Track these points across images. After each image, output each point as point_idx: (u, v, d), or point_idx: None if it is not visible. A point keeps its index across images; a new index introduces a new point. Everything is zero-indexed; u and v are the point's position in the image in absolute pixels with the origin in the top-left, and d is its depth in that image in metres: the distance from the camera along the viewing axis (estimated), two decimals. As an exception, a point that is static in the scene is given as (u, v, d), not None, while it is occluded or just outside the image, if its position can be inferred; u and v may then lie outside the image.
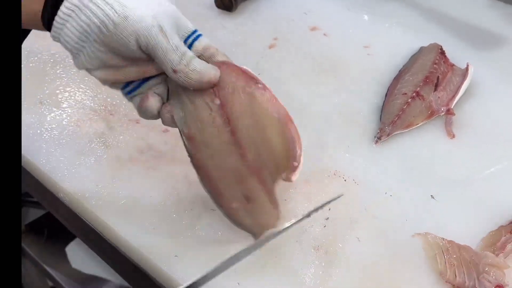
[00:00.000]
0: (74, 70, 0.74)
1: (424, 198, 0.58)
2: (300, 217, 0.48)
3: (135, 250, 0.53)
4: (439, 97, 0.68)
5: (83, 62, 0.45)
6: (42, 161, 0.61)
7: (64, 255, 0.91)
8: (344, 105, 0.70)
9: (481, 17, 0.87)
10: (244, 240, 0.53)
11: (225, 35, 0.83)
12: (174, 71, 0.44)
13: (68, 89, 0.71)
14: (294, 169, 0.49)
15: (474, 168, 0.62)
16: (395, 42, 0.82)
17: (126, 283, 0.61)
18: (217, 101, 0.47)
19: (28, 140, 0.64)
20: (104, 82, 0.48)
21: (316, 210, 0.49)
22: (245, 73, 0.49)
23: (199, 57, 0.47)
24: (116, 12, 0.41)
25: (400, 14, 0.89)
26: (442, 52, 0.75)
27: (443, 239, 0.53)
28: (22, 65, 0.74)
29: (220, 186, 0.49)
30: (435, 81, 0.70)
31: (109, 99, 0.70)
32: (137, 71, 0.47)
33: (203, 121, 0.47)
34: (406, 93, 0.68)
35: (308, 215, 0.49)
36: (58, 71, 0.73)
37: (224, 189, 0.49)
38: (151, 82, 0.48)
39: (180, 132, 0.49)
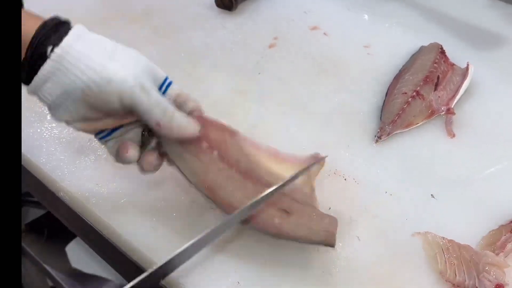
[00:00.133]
0: (74, 69, 0.74)
1: (424, 197, 0.59)
2: (281, 182, 0.50)
3: (135, 249, 0.53)
4: (439, 96, 0.68)
5: (62, 116, 0.46)
6: (42, 160, 0.61)
7: (64, 255, 0.91)
8: (344, 105, 0.70)
9: (481, 17, 0.88)
10: (245, 237, 0.53)
11: (225, 35, 0.83)
12: (158, 125, 0.46)
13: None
14: (322, 158, 0.54)
15: (474, 167, 0.62)
16: (395, 42, 0.82)
17: (126, 283, 0.61)
18: (215, 152, 0.51)
19: (28, 139, 0.64)
20: (81, 131, 0.48)
21: (299, 174, 0.52)
22: (224, 125, 0.53)
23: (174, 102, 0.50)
24: (99, 76, 0.42)
25: (400, 14, 0.89)
26: (442, 52, 0.75)
27: (443, 238, 0.53)
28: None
29: (254, 213, 0.50)
30: (435, 80, 0.70)
31: (109, 99, 0.70)
32: (115, 121, 0.48)
33: (212, 171, 0.50)
34: (406, 93, 0.68)
35: (290, 180, 0.51)
36: (58, 71, 0.73)
37: (259, 213, 0.50)
38: (124, 128, 0.50)
39: (188, 180, 0.52)
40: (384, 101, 0.70)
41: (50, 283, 0.93)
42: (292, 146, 0.64)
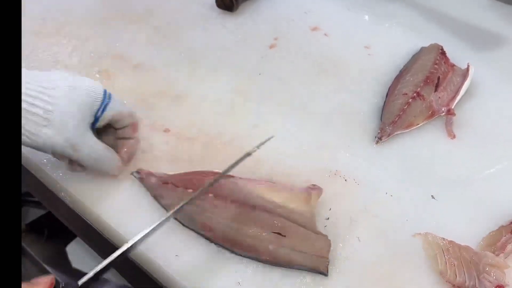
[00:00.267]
0: (76, 69, 0.74)
1: (424, 198, 0.59)
2: (242, 155, 0.55)
3: (136, 249, 0.53)
4: (439, 97, 0.68)
5: None
6: (43, 160, 0.61)
7: (64, 255, 0.90)
8: (345, 105, 0.70)
9: (482, 18, 0.88)
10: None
11: (225, 35, 0.83)
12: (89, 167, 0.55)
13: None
14: (319, 189, 0.57)
15: (474, 168, 0.62)
16: (396, 42, 0.82)
17: (126, 283, 0.61)
18: (211, 195, 0.55)
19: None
20: None
21: (257, 147, 0.56)
22: (219, 172, 0.57)
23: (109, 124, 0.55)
24: (36, 142, 0.49)
25: (400, 14, 0.89)
26: (443, 52, 0.75)
27: (444, 239, 0.53)
28: (23, 65, 0.74)
29: (249, 241, 0.52)
30: (436, 81, 0.70)
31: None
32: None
33: (208, 209, 0.54)
34: (406, 93, 0.68)
35: (249, 154, 0.56)
36: (59, 71, 0.74)
37: (254, 240, 0.51)
38: None
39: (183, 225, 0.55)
40: (385, 101, 0.70)
41: (50, 283, 0.92)
42: (293, 147, 0.64)
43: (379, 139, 0.65)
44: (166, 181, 0.57)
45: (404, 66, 0.76)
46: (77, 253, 0.92)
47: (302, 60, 0.79)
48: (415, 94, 0.67)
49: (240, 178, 0.58)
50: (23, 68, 0.48)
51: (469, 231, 0.55)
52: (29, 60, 0.75)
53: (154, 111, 0.68)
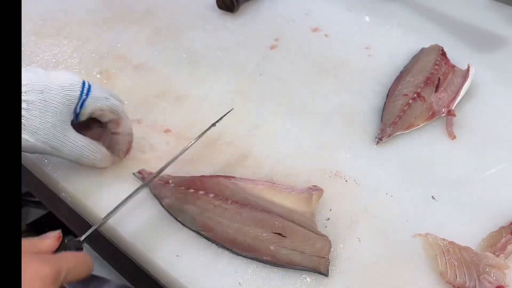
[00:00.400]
0: (76, 70, 0.74)
1: (424, 198, 0.59)
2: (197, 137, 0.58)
3: (136, 249, 0.53)
4: (440, 98, 0.68)
5: None
6: (44, 160, 0.62)
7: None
8: (345, 106, 0.71)
9: (482, 18, 0.88)
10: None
11: (226, 36, 0.83)
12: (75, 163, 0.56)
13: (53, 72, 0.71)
14: (319, 190, 0.57)
15: (474, 168, 0.62)
16: (396, 43, 0.82)
17: (127, 283, 0.61)
18: (211, 195, 0.55)
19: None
20: None
21: (213, 124, 0.60)
22: (219, 175, 0.59)
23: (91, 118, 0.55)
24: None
25: (401, 15, 0.89)
26: (443, 53, 0.75)
27: (444, 239, 0.53)
28: (24, 65, 0.74)
29: (249, 242, 0.52)
30: (436, 82, 0.70)
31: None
32: None
33: (208, 209, 0.54)
34: (407, 94, 0.68)
35: (203, 133, 0.59)
36: (60, 71, 0.74)
37: (255, 241, 0.52)
38: None
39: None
40: (385, 102, 0.70)
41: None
42: (293, 147, 0.64)
43: (379, 139, 0.65)
44: (167, 181, 0.57)
45: (404, 67, 0.76)
46: (78, 253, 0.92)
47: (302, 60, 0.79)
48: (415, 95, 0.68)
49: (240, 178, 0.58)
50: None
51: (469, 232, 0.55)
52: (30, 61, 0.75)
53: (155, 111, 0.69)
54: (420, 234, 0.54)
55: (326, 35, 0.84)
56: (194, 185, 0.57)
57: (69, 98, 0.51)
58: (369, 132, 0.67)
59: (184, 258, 0.52)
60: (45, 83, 0.50)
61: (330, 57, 0.79)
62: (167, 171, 0.58)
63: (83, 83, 0.53)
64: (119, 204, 0.52)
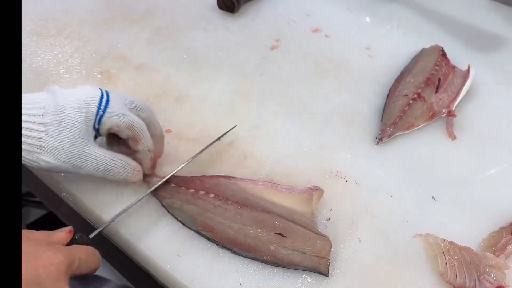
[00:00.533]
0: (77, 70, 0.74)
1: (425, 199, 0.59)
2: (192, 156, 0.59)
3: (137, 249, 0.53)
4: (440, 98, 0.68)
5: None
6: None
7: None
8: (346, 106, 0.71)
9: (483, 19, 0.88)
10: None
11: (227, 36, 0.83)
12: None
13: (71, 89, 0.71)
14: (319, 190, 0.57)
15: (475, 169, 0.62)
16: (396, 44, 0.82)
17: (128, 283, 0.61)
18: (212, 195, 0.56)
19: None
20: None
21: (211, 144, 0.61)
22: (219, 175, 0.59)
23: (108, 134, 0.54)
24: (38, 167, 0.51)
25: (401, 16, 0.89)
26: (444, 54, 0.75)
27: (444, 240, 0.53)
28: (25, 66, 0.74)
29: (250, 242, 0.52)
30: (437, 82, 0.70)
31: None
32: None
33: (209, 210, 0.55)
34: (407, 95, 0.68)
35: (207, 147, 0.60)
36: (61, 71, 0.74)
37: (255, 241, 0.52)
38: None
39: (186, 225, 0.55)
40: (385, 102, 0.70)
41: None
42: (293, 147, 0.64)
43: (379, 140, 0.65)
44: (168, 181, 0.57)
45: (404, 67, 0.76)
46: (78, 253, 0.92)
47: (303, 61, 0.79)
48: (415, 96, 0.68)
49: (241, 179, 0.58)
50: None
51: (470, 232, 0.55)
52: (31, 61, 0.75)
53: (155, 111, 0.68)
54: (420, 235, 0.54)
55: (326, 36, 0.84)
56: (194, 185, 0.57)
57: (86, 115, 0.51)
58: (370, 133, 0.67)
59: (185, 258, 0.52)
60: (61, 103, 0.50)
61: (330, 57, 0.79)
62: (167, 171, 0.58)
63: (101, 97, 0.52)
64: (128, 206, 0.53)
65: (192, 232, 0.54)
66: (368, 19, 0.89)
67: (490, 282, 0.49)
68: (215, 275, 0.51)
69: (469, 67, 0.73)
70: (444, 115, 0.67)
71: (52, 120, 0.49)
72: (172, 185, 0.57)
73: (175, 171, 0.58)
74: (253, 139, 0.65)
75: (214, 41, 0.82)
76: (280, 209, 0.55)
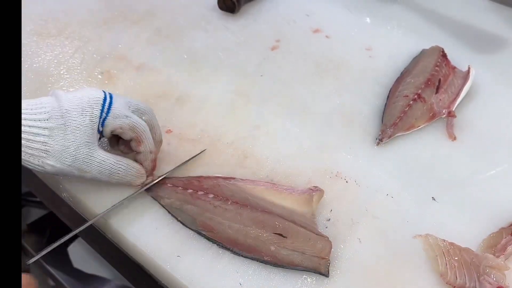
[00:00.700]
0: (78, 70, 0.74)
1: (425, 199, 0.59)
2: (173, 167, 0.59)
3: (137, 250, 0.53)
4: (440, 99, 0.69)
5: None
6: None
7: (66, 255, 0.91)
8: (346, 107, 0.71)
9: (483, 20, 0.88)
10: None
11: (227, 36, 0.83)
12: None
13: (71, 89, 0.71)
14: (320, 190, 0.57)
15: (475, 169, 0.62)
16: (397, 44, 0.82)
17: (128, 283, 0.61)
18: (211, 195, 0.56)
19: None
20: None
21: (184, 163, 0.60)
22: (219, 176, 0.59)
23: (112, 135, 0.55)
24: (42, 171, 0.51)
25: (401, 17, 0.89)
26: (444, 55, 0.75)
27: (444, 240, 0.53)
28: (26, 66, 0.74)
29: (250, 242, 0.52)
30: (437, 83, 0.70)
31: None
32: None
33: (208, 210, 0.55)
34: (407, 95, 0.68)
35: (180, 165, 0.60)
36: (61, 72, 0.74)
37: (255, 241, 0.52)
38: None
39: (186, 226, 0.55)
40: (386, 103, 0.70)
41: (52, 283, 0.93)
42: (293, 147, 0.64)
43: (380, 140, 0.65)
44: (165, 182, 0.57)
45: (405, 68, 0.76)
46: (78, 253, 0.92)
47: (303, 61, 0.79)
48: (416, 96, 0.68)
49: (241, 179, 0.58)
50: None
51: (470, 233, 0.55)
52: (31, 61, 0.75)
53: (156, 112, 0.68)
54: (420, 235, 0.54)
55: (327, 36, 0.84)
56: (192, 186, 0.57)
57: (90, 118, 0.51)
58: (370, 133, 0.67)
59: (185, 258, 0.52)
60: (65, 107, 0.50)
61: (330, 57, 0.80)
62: (165, 172, 0.58)
63: (104, 99, 0.52)
64: (106, 210, 0.54)
65: (192, 232, 0.54)
66: (368, 19, 0.89)
67: (490, 283, 0.49)
68: (215, 275, 0.51)
69: (469, 68, 0.73)
70: (444, 115, 0.67)
71: (56, 124, 0.49)
72: (169, 185, 0.57)
73: (161, 177, 0.58)
74: (253, 139, 0.65)
75: (215, 41, 0.82)
76: (280, 209, 0.55)
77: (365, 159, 0.63)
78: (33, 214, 0.98)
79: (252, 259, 0.51)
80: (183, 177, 0.58)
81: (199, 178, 0.58)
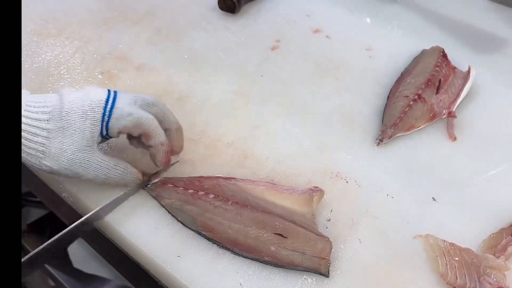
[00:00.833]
0: (78, 70, 0.74)
1: (425, 200, 0.59)
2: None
3: (137, 250, 0.53)
4: (440, 99, 0.69)
5: None
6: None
7: (66, 255, 0.91)
8: (346, 107, 0.71)
9: (483, 20, 0.88)
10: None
11: (227, 37, 0.83)
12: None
13: (71, 89, 0.71)
14: (320, 191, 0.57)
15: (475, 170, 0.62)
16: (397, 45, 0.82)
17: (128, 283, 0.61)
18: (211, 195, 0.55)
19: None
20: None
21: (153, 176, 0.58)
22: (219, 176, 0.59)
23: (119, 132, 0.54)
24: (40, 170, 0.51)
25: (402, 17, 0.89)
26: (444, 55, 0.75)
27: (444, 241, 0.53)
28: (26, 66, 0.74)
29: (250, 242, 0.52)
30: (437, 83, 0.70)
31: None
32: None
33: (209, 210, 0.54)
34: (408, 96, 0.68)
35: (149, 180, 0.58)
36: (62, 72, 0.74)
37: (256, 241, 0.52)
38: None
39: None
40: (386, 103, 0.70)
41: (52, 283, 0.93)
42: (293, 148, 0.64)
43: (380, 141, 0.65)
44: (166, 182, 0.57)
45: (405, 68, 0.76)
46: (78, 253, 0.92)
47: (303, 61, 0.79)
48: (416, 97, 0.68)
49: (241, 179, 0.58)
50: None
51: (470, 233, 0.55)
52: (32, 61, 0.75)
53: (156, 112, 0.69)
54: (420, 236, 0.54)
55: (327, 36, 0.84)
56: (192, 186, 0.57)
57: (91, 121, 0.50)
58: (370, 133, 0.67)
59: (185, 259, 0.52)
60: (66, 109, 0.50)
61: (330, 58, 0.80)
62: (166, 172, 0.58)
63: (107, 101, 0.51)
64: (91, 213, 0.54)
65: (192, 233, 0.54)
66: (368, 20, 0.89)
67: (490, 284, 0.49)
68: (215, 275, 0.51)
69: (469, 68, 0.73)
70: (444, 116, 0.67)
71: (55, 127, 0.49)
72: (170, 185, 0.57)
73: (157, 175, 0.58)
74: (254, 139, 0.65)
75: (215, 41, 0.82)
76: (281, 209, 0.55)
77: (365, 159, 0.63)
78: (33, 214, 0.98)
79: (252, 259, 0.51)
80: (184, 177, 0.58)
81: (200, 178, 0.58)
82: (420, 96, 0.68)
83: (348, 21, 0.88)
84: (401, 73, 0.75)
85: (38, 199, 0.93)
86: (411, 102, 0.67)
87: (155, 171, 0.58)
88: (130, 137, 0.56)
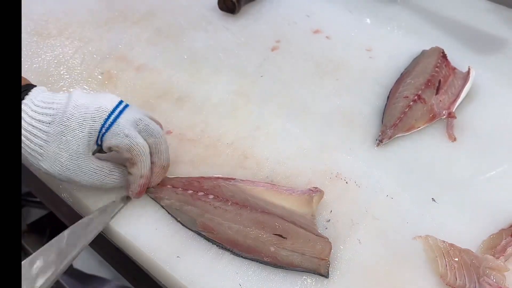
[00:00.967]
0: (78, 71, 0.74)
1: (425, 200, 0.59)
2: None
3: (137, 250, 0.53)
4: (440, 100, 0.69)
5: None
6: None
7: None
8: (346, 107, 0.71)
9: (483, 21, 0.88)
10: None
11: (228, 37, 0.83)
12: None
13: (71, 90, 0.71)
14: (320, 191, 0.57)
15: (475, 170, 0.62)
16: (397, 45, 0.82)
17: (128, 283, 0.61)
18: (211, 196, 0.56)
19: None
20: None
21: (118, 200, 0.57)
22: (219, 176, 0.59)
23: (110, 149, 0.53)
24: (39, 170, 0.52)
25: (402, 18, 0.89)
26: (444, 56, 0.75)
27: (444, 241, 0.53)
28: (26, 66, 0.74)
29: (250, 243, 0.52)
30: (437, 84, 0.70)
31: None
32: None
33: (208, 211, 0.54)
34: (407, 96, 0.68)
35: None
36: (61, 72, 0.74)
37: (255, 242, 0.52)
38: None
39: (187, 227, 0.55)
40: (386, 104, 0.70)
41: (51, 283, 0.93)
42: (293, 148, 0.64)
43: (380, 141, 0.65)
44: (165, 183, 0.57)
45: (405, 69, 0.76)
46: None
47: (303, 62, 0.79)
48: (416, 97, 0.68)
49: (241, 180, 0.58)
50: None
51: (470, 234, 0.55)
52: (32, 62, 0.75)
53: (156, 112, 0.69)
54: (420, 236, 0.54)
55: (327, 37, 0.84)
56: (192, 187, 0.57)
57: (89, 130, 0.50)
58: (370, 134, 0.67)
59: (185, 259, 0.52)
60: (67, 114, 0.50)
61: (330, 58, 0.80)
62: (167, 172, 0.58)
63: (111, 113, 0.51)
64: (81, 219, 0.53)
65: (192, 233, 0.54)
66: (368, 20, 0.89)
67: (490, 284, 0.49)
68: (215, 276, 0.51)
69: (469, 69, 0.73)
70: (444, 116, 0.67)
71: (55, 131, 0.49)
72: (169, 186, 0.57)
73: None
74: (253, 140, 0.65)
75: (215, 42, 0.82)
76: (280, 210, 0.55)
77: (365, 160, 0.63)
78: (33, 214, 0.98)
79: (252, 260, 0.51)
80: (183, 178, 0.58)
81: (199, 178, 0.58)
82: (420, 96, 0.68)
83: (348, 22, 0.88)
84: (401, 74, 0.75)
85: (38, 199, 0.93)
86: (411, 103, 0.67)
87: (126, 196, 0.56)
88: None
